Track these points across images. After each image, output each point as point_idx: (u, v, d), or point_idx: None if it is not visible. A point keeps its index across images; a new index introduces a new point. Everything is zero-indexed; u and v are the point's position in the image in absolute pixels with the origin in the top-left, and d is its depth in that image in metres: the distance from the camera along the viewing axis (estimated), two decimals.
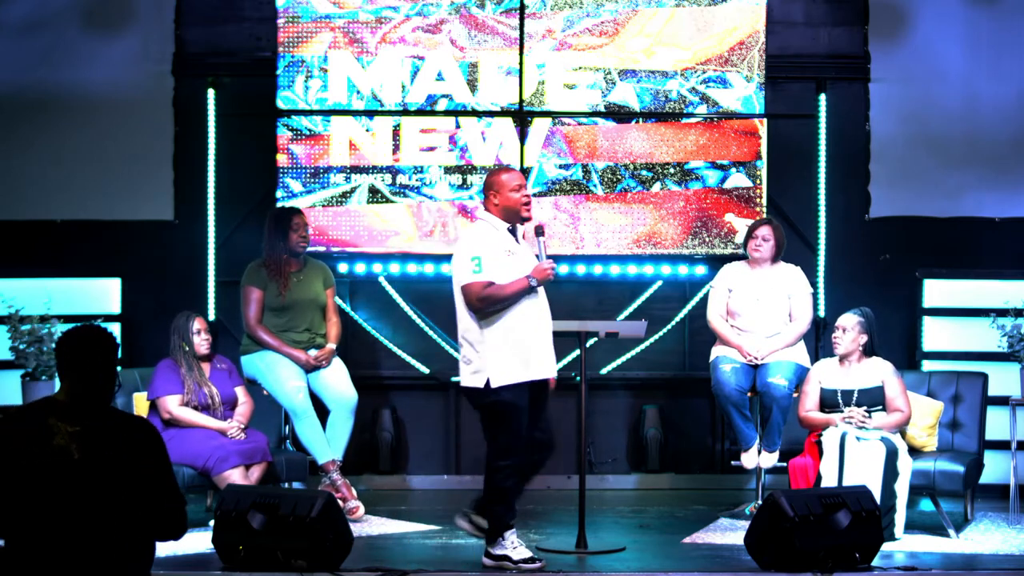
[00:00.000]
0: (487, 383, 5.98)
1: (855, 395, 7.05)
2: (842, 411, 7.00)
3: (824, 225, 8.94)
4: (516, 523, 6.12)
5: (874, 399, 7.03)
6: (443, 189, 8.67)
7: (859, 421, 6.89)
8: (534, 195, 8.66)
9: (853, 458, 6.69)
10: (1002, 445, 7.91)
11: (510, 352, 5.99)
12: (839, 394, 7.08)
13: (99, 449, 4.18)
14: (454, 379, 8.83)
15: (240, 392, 7.32)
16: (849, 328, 7.14)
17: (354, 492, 7.38)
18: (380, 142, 8.66)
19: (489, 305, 5.99)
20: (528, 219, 6.17)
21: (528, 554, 6.03)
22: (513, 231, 6.16)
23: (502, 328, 6.00)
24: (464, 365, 6.07)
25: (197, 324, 7.26)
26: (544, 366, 6.10)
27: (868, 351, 7.16)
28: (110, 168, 8.78)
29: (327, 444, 7.40)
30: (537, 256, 6.13)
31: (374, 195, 8.65)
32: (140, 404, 7.32)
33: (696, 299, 8.84)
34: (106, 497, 4.15)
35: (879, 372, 7.11)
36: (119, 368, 4.51)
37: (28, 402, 4.44)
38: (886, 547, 6.34)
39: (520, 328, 6.02)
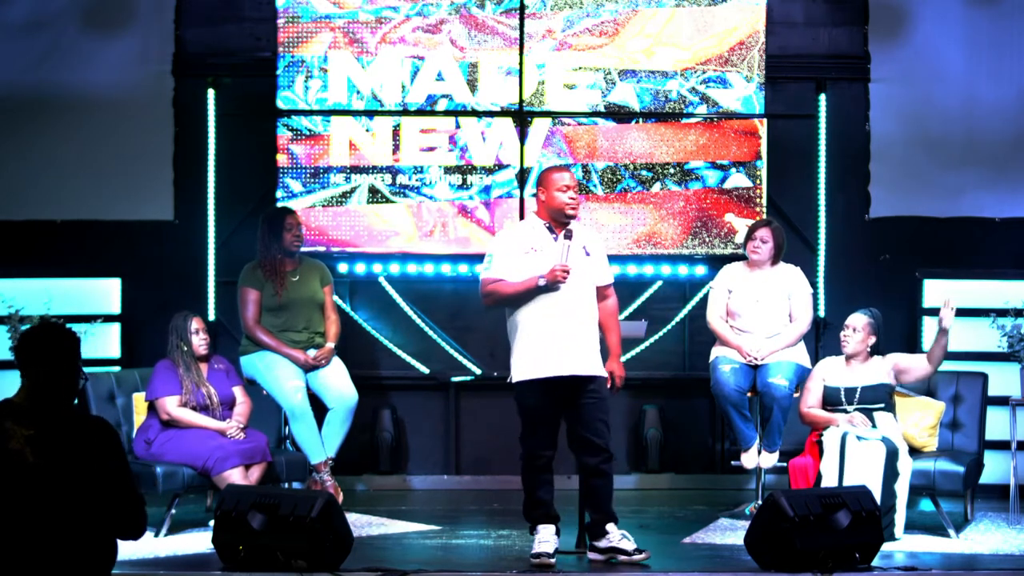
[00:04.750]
0: (510, 378, 6.22)
1: (858, 392, 7.06)
2: (844, 409, 7.01)
3: (824, 225, 8.94)
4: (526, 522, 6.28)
5: (877, 396, 7.04)
6: (443, 189, 8.67)
7: (861, 431, 6.88)
8: (532, 195, 8.65)
9: (853, 458, 6.69)
10: (1002, 445, 7.90)
11: (526, 349, 6.15)
12: (842, 392, 7.09)
13: (54, 452, 4.12)
14: (454, 379, 8.89)
15: (238, 392, 7.31)
16: (859, 328, 7.14)
17: (341, 494, 7.34)
18: (380, 142, 8.66)
19: (492, 301, 6.28)
20: (572, 219, 6.24)
21: (540, 550, 6.12)
22: (552, 229, 6.24)
23: (521, 326, 6.19)
24: None
25: (195, 324, 7.25)
26: (565, 363, 6.11)
27: (875, 352, 7.17)
28: (110, 168, 8.77)
29: (322, 445, 7.38)
30: (563, 258, 6.18)
31: (374, 195, 8.65)
32: (140, 404, 7.32)
33: (696, 299, 8.84)
34: (63, 500, 4.10)
35: (881, 369, 7.13)
36: (83, 368, 4.40)
37: None
38: (886, 547, 6.33)
39: (540, 326, 6.13)
